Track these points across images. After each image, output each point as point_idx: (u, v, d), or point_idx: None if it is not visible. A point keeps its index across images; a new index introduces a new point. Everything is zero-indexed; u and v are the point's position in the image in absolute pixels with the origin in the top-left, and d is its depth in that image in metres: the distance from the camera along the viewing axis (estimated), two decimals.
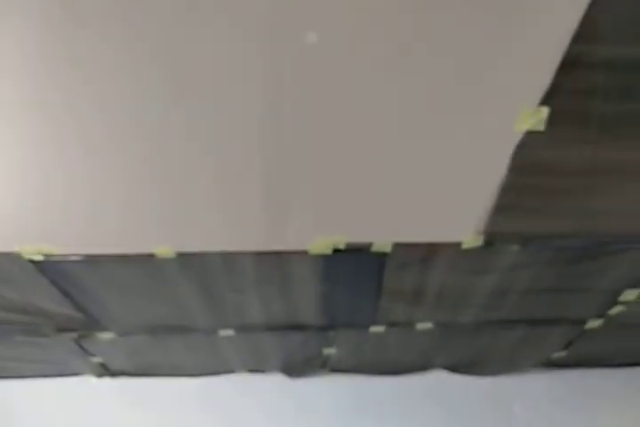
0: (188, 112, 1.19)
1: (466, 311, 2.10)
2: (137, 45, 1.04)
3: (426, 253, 1.67)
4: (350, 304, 2.02)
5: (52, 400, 2.63)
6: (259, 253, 1.70)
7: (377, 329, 2.21)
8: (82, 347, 2.30)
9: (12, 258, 1.66)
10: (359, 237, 1.61)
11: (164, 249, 1.68)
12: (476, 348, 2.47)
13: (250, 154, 1.32)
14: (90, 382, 2.63)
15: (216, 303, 2.00)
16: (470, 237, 1.57)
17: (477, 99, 1.16)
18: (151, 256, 1.68)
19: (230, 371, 2.64)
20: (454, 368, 2.70)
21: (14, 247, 1.63)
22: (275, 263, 1.75)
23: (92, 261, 1.70)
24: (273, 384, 2.66)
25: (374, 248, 1.62)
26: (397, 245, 1.61)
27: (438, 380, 2.71)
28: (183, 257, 1.70)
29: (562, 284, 1.90)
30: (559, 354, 2.56)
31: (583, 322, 2.22)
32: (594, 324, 2.21)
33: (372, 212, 1.50)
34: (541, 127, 1.22)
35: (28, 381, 2.61)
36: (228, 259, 1.72)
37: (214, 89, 1.14)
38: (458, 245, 1.60)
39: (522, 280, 1.87)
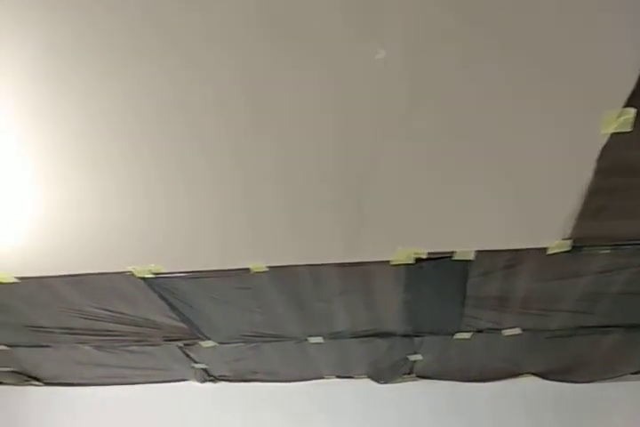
0: (275, 139, 1.31)
1: (555, 317, 2.05)
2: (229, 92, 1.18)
3: (510, 260, 1.67)
4: (434, 312, 2.05)
5: (161, 403, 2.87)
6: (342, 265, 1.79)
7: (462, 336, 2.22)
8: (187, 355, 2.51)
9: (126, 277, 1.88)
10: (441, 247, 1.65)
11: (258, 264, 1.83)
12: (568, 354, 2.39)
13: (329, 175, 1.40)
14: (194, 386, 2.85)
15: (305, 312, 2.12)
16: (557, 243, 1.56)
17: (563, 102, 1.15)
18: (246, 271, 1.84)
19: (320, 377, 2.75)
20: (546, 375, 2.62)
21: (127, 267, 1.85)
22: (358, 274, 1.83)
23: (194, 276, 1.88)
24: (361, 389, 2.73)
25: (457, 256, 1.65)
26: (480, 253, 1.63)
27: (528, 386, 2.63)
28: (274, 270, 1.83)
29: None
30: None
31: None
32: None
33: (454, 221, 1.53)
34: (628, 128, 1.20)
35: (140, 386, 2.87)
36: (314, 271, 1.83)
37: (299, 117, 1.24)
38: (543, 250, 1.59)
39: (614, 284, 1.80)
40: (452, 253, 1.65)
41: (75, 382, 2.87)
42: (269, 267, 1.83)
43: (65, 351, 2.48)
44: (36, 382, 2.88)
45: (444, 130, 1.23)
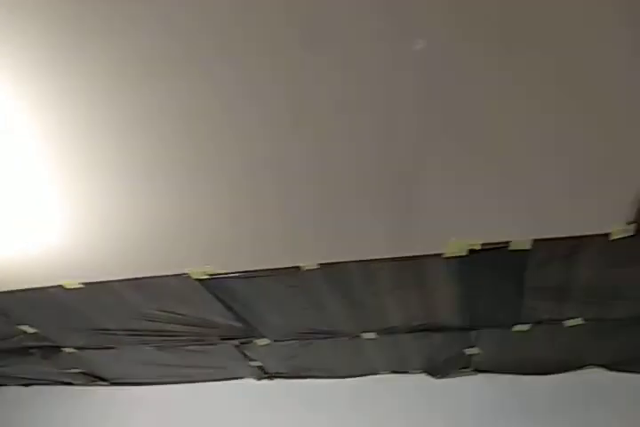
0: (316, 139, 1.31)
1: (619, 305, 1.96)
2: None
3: (570, 247, 1.61)
4: (491, 304, 2.01)
5: (220, 401, 2.94)
6: (393, 260, 1.78)
7: (521, 328, 2.16)
8: (243, 353, 2.57)
9: (183, 279, 1.95)
10: (495, 237, 1.61)
11: (309, 261, 1.84)
12: (635, 343, 2.28)
13: (374, 170, 1.39)
14: (251, 384, 2.91)
15: (357, 309, 2.12)
16: (619, 228, 1.49)
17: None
18: (297, 269, 1.86)
19: (375, 372, 2.75)
20: (611, 366, 2.51)
21: (184, 269, 1.91)
22: (410, 268, 1.81)
23: (247, 276, 1.92)
24: (417, 384, 2.70)
25: (513, 246, 1.61)
26: (538, 242, 1.58)
27: (594, 378, 2.52)
28: (324, 267, 1.84)
29: None
30: None
31: None
32: None
33: (509, 210, 1.49)
34: None
35: (199, 384, 2.96)
36: (365, 267, 1.82)
37: (340, 116, 1.24)
38: (605, 236, 1.53)
39: None
40: (508, 243, 1.61)
41: (138, 381, 2.99)
42: (320, 264, 1.84)
43: (128, 352, 2.59)
44: (103, 382, 3.02)
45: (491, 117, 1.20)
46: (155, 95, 1.18)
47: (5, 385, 3.14)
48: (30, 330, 2.39)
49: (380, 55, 1.06)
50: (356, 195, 1.48)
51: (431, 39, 1.02)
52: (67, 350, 2.59)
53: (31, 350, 2.59)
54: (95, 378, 2.97)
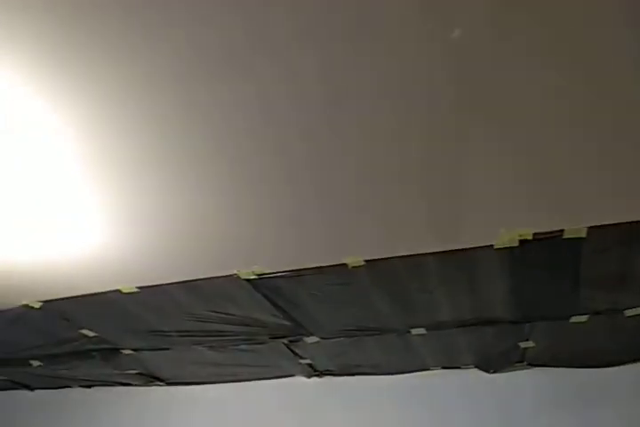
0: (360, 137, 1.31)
1: None
2: None
3: (627, 234, 1.55)
4: (545, 296, 1.95)
5: (271, 399, 2.98)
6: (441, 253, 1.76)
7: (579, 319, 2.09)
8: (292, 351, 2.59)
9: (232, 279, 1.99)
10: (548, 226, 1.56)
11: (354, 258, 1.84)
12: None
13: (418, 162, 1.38)
14: (301, 382, 2.94)
15: (406, 304, 2.10)
16: None
17: None
18: (344, 266, 1.87)
19: (425, 368, 2.72)
20: None
21: (233, 270, 1.96)
22: (458, 261, 1.78)
23: (295, 275, 1.94)
24: (470, 380, 2.66)
25: (567, 235, 1.56)
26: (593, 229, 1.53)
27: None
28: (371, 264, 1.84)
29: None
30: None
31: None
32: None
33: (562, 197, 1.44)
34: None
35: (250, 383, 3.01)
36: (412, 262, 1.81)
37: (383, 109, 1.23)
38: None
39: None
40: (561, 231, 1.56)
41: (192, 381, 3.08)
42: (366, 261, 1.84)
43: (182, 353, 2.66)
44: (159, 383, 3.13)
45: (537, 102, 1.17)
46: (196, 94, 1.19)
47: (69, 387, 3.29)
48: (90, 333, 2.50)
49: (422, 43, 1.05)
50: (400, 187, 1.47)
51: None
52: (125, 351, 2.70)
53: (92, 353, 2.71)
54: (152, 378, 3.07)
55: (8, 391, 3.40)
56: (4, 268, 1.87)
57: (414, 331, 2.32)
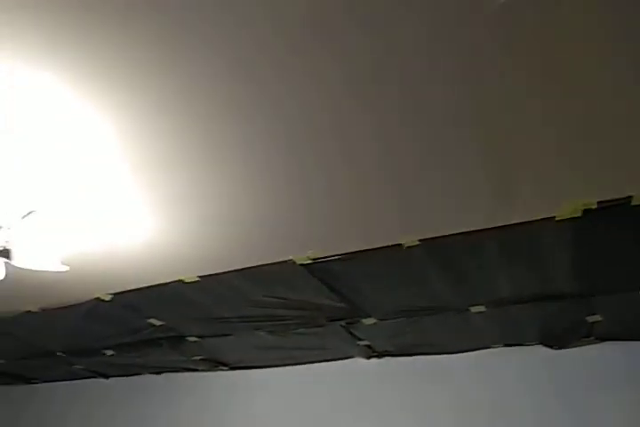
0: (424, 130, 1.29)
1: None
2: None
3: None
4: (612, 267, 1.86)
5: (331, 381, 3.02)
6: (499, 228, 1.71)
7: None
8: (350, 333, 2.62)
9: (288, 265, 2.02)
10: (613, 193, 1.49)
11: (409, 237, 1.82)
12: None
13: (474, 137, 1.34)
14: (360, 363, 2.97)
15: (464, 282, 2.07)
16: None
17: None
18: (398, 246, 1.85)
19: (487, 346, 2.68)
20: None
21: (288, 256, 1.99)
22: (518, 236, 1.73)
23: (349, 258, 1.95)
24: (535, 356, 2.60)
25: (635, 201, 1.48)
26: None
27: None
28: (426, 243, 1.82)
29: None
30: None
31: None
32: None
33: (625, 159, 1.36)
34: None
35: (310, 365, 3.07)
36: (469, 238, 1.77)
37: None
38: None
39: None
40: (629, 198, 1.48)
41: (254, 364, 3.18)
42: (420, 240, 1.82)
43: (244, 338, 2.75)
44: (224, 367, 3.25)
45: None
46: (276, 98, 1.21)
47: (140, 374, 3.48)
48: (158, 322, 2.63)
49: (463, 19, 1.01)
50: (455, 158, 1.42)
51: None
52: (190, 339, 2.82)
53: (160, 341, 2.84)
54: (217, 364, 3.20)
55: (86, 380, 3.65)
56: (77, 264, 1.98)
57: (473, 309, 2.29)
